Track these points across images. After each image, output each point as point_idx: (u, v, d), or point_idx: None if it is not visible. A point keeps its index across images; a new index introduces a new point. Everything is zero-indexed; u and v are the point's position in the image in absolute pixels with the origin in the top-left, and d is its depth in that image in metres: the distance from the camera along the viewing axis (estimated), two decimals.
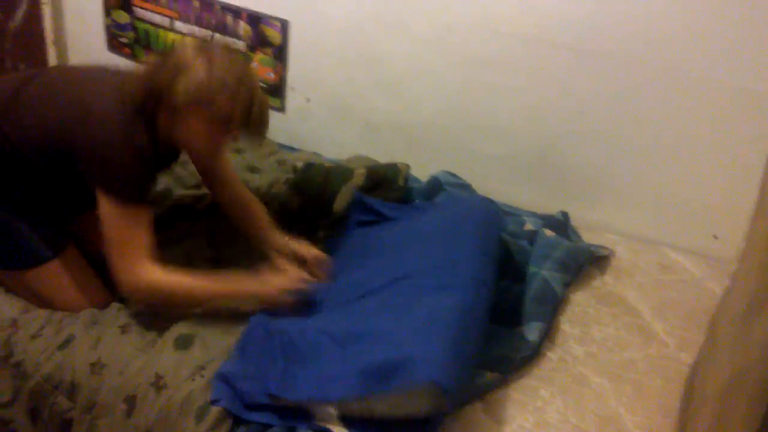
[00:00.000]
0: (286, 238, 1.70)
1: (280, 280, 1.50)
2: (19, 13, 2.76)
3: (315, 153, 2.23)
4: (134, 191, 1.42)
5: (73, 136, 1.40)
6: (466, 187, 1.95)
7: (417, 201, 1.91)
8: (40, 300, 1.58)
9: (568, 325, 1.55)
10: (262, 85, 2.29)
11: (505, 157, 1.98)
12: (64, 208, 1.62)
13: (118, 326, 1.48)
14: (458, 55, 1.93)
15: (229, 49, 1.42)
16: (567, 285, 1.64)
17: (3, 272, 1.60)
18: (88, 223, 1.67)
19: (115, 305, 1.57)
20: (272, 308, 1.46)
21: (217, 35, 1.48)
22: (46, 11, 2.65)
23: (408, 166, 1.96)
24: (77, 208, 1.69)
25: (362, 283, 1.47)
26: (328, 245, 1.74)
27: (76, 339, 1.45)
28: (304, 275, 1.54)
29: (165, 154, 1.55)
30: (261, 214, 1.74)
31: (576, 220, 1.89)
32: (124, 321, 1.50)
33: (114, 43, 2.64)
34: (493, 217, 1.63)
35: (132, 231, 1.42)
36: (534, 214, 1.89)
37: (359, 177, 1.86)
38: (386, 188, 1.87)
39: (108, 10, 2.59)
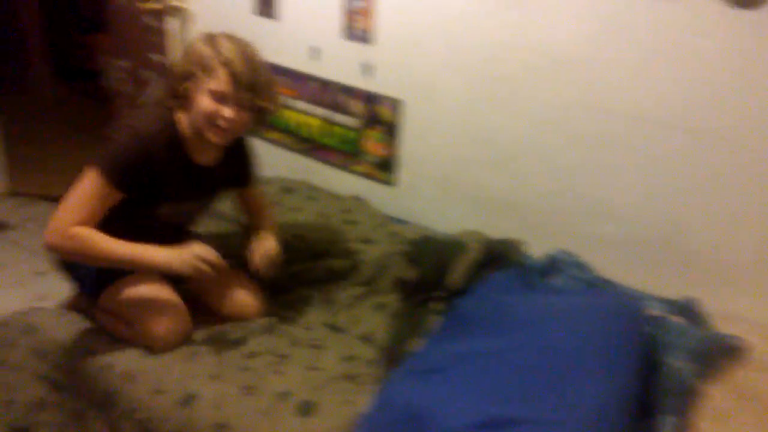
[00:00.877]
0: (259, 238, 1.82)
1: (185, 253, 1.55)
2: (149, 91, 3.00)
3: (424, 227, 2.23)
4: (113, 169, 1.52)
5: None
6: (583, 266, 1.88)
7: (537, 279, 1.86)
8: (126, 319, 1.71)
9: (704, 421, 1.42)
10: (373, 159, 2.36)
11: (623, 239, 1.91)
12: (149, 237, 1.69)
13: (240, 386, 1.54)
14: (573, 134, 1.90)
15: (227, 35, 1.59)
16: (700, 377, 1.52)
17: (96, 297, 1.74)
18: (202, 283, 1.81)
19: (237, 362, 1.63)
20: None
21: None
22: None
23: (524, 243, 1.92)
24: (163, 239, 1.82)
25: (500, 351, 1.44)
26: (447, 315, 1.72)
27: (198, 398, 1.51)
28: (209, 253, 1.57)
29: (198, 170, 1.68)
30: (262, 222, 1.89)
31: (706, 307, 1.77)
32: (247, 381, 1.56)
33: None
34: (638, 314, 1.58)
35: (81, 196, 1.52)
36: (657, 299, 1.79)
37: (475, 251, 1.85)
38: (501, 264, 1.84)
39: None
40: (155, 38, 2.82)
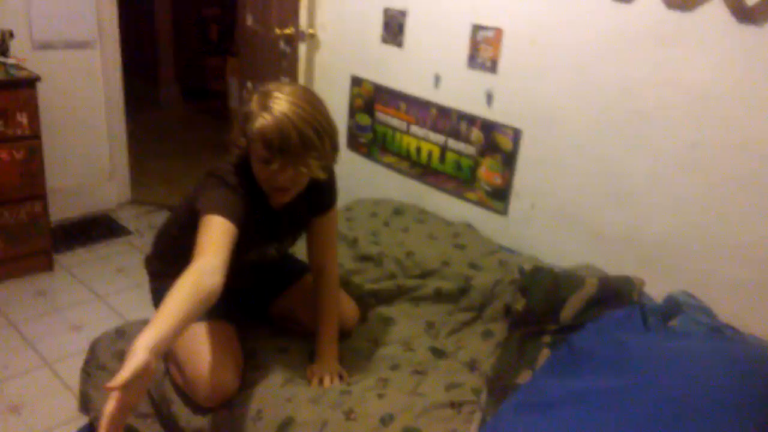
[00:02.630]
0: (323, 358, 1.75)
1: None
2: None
3: (536, 258, 2.20)
4: (217, 205, 1.51)
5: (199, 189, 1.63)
6: (706, 310, 1.80)
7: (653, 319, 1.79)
8: (176, 361, 1.69)
9: None
10: (487, 188, 2.37)
11: (750, 283, 1.81)
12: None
13: (341, 410, 1.54)
14: (703, 172, 1.84)
15: (291, 94, 1.52)
16: None
17: None
18: (287, 305, 1.92)
19: (336, 388, 1.64)
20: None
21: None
22: None
23: (642, 282, 1.85)
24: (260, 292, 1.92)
25: (617, 391, 1.40)
26: (561, 348, 1.68)
27: (298, 422, 1.52)
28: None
29: (279, 213, 1.69)
30: (329, 318, 1.80)
31: None
32: (348, 405, 1.55)
33: (353, 143, 2.89)
34: (766, 363, 1.50)
35: (219, 237, 1.46)
36: None
37: (591, 286, 1.79)
38: (619, 302, 1.78)
39: (353, 113, 2.86)
40: (285, 62, 2.97)
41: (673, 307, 1.80)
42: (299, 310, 1.92)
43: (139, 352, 1.15)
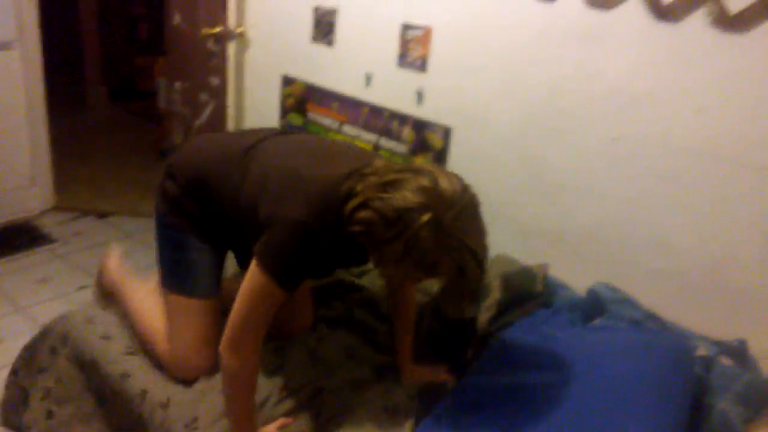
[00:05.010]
0: (412, 369, 1.72)
1: None
2: (205, 114, 3.08)
3: None
4: (280, 271, 1.39)
5: (271, 205, 1.43)
6: (629, 302, 1.85)
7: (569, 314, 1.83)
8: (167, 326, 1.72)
9: None
10: None
11: (671, 273, 1.87)
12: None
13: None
14: (626, 166, 1.89)
15: (462, 209, 1.28)
16: (748, 422, 1.48)
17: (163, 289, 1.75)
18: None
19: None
20: None
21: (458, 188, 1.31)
22: (230, 113, 2.93)
23: (545, 267, 1.90)
24: None
25: (544, 385, 1.42)
26: (490, 347, 1.69)
27: None
28: None
29: (354, 247, 1.42)
30: (405, 331, 1.74)
31: (755, 349, 1.72)
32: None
33: None
34: (687, 354, 1.56)
35: (263, 307, 1.41)
36: (706, 339, 1.75)
37: (495, 290, 1.82)
38: (525, 297, 1.81)
39: (284, 113, 2.82)
40: (214, 62, 2.91)
41: (594, 302, 1.84)
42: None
43: None
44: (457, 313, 1.40)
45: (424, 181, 1.26)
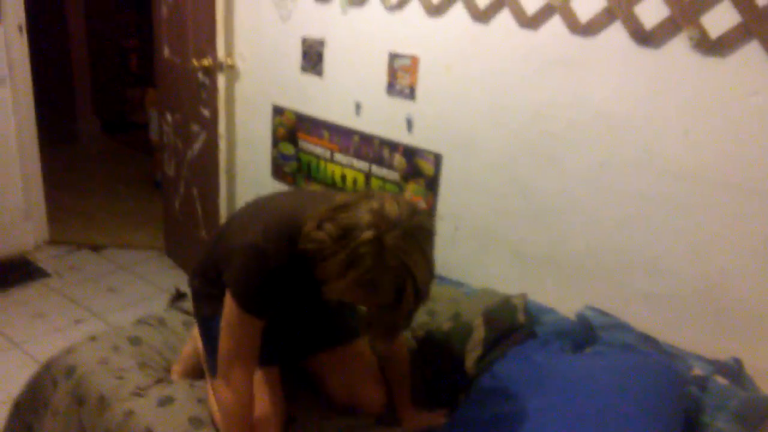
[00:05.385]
0: (412, 416, 1.70)
1: None
2: (197, 145, 3.10)
3: (459, 284, 2.24)
4: (246, 298, 1.46)
5: (238, 237, 1.52)
6: (620, 326, 1.86)
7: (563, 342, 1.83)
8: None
9: None
10: None
11: (664, 296, 1.88)
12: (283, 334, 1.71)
13: None
14: (613, 190, 1.91)
15: (406, 231, 1.29)
16: None
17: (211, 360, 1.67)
18: (324, 364, 1.77)
19: None
20: None
21: (403, 201, 1.35)
22: (222, 144, 2.95)
23: (524, 296, 1.92)
24: (302, 344, 1.78)
25: (537, 411, 1.43)
26: (483, 378, 1.70)
27: None
28: None
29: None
30: (398, 377, 1.73)
31: (750, 367, 1.73)
32: None
33: (279, 172, 2.88)
34: (681, 374, 1.56)
35: (242, 336, 1.48)
36: (701, 358, 1.76)
37: (479, 329, 1.82)
38: (509, 331, 1.82)
39: (276, 143, 2.85)
40: (205, 94, 2.94)
41: (584, 328, 1.85)
42: (331, 375, 1.76)
43: None
44: (386, 345, 1.47)
45: (373, 204, 1.32)
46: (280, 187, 2.88)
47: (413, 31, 2.28)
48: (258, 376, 1.59)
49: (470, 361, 1.79)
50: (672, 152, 1.79)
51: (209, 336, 1.67)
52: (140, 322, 2.08)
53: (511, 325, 1.85)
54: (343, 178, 2.63)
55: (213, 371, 1.63)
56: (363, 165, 2.54)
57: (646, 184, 1.85)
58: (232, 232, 1.61)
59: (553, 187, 2.04)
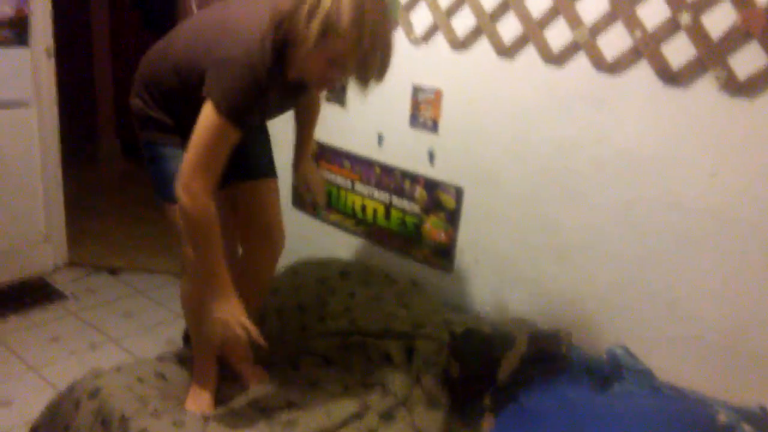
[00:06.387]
0: (307, 165, 2.13)
1: (228, 316, 1.60)
2: None
3: (479, 315, 2.21)
4: (233, 108, 1.54)
5: (208, 55, 1.59)
6: (645, 372, 1.83)
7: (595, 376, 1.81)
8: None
9: None
10: (432, 245, 2.38)
11: (688, 337, 1.85)
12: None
13: None
14: (638, 228, 1.89)
15: None
16: None
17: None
18: (245, 192, 1.98)
19: None
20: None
21: None
22: None
23: (570, 334, 1.89)
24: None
25: None
26: (509, 409, 1.68)
27: None
28: (247, 327, 1.61)
29: (292, 84, 1.65)
30: (309, 130, 2.14)
31: None
32: None
33: (299, 201, 2.88)
34: (708, 421, 1.54)
35: (215, 146, 1.56)
36: (728, 405, 1.72)
37: (521, 344, 1.81)
38: (550, 357, 1.80)
39: None
40: None
41: (613, 364, 1.82)
42: (249, 202, 2.00)
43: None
44: (363, 83, 1.58)
45: None
46: (299, 215, 2.88)
47: (437, 65, 2.29)
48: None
49: (505, 370, 1.78)
50: (698, 192, 1.77)
51: (154, 159, 1.79)
52: (163, 359, 2.09)
53: (555, 353, 1.83)
54: (363, 208, 2.62)
55: (161, 193, 1.77)
56: (384, 196, 2.54)
57: (672, 223, 1.83)
58: (195, 47, 1.66)
59: (577, 224, 2.02)
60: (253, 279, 2.02)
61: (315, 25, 1.44)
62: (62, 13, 3.35)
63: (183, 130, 1.69)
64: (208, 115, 1.55)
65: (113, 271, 3.52)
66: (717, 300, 1.78)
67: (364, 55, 1.49)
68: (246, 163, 1.96)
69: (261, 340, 1.63)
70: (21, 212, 3.30)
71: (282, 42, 1.54)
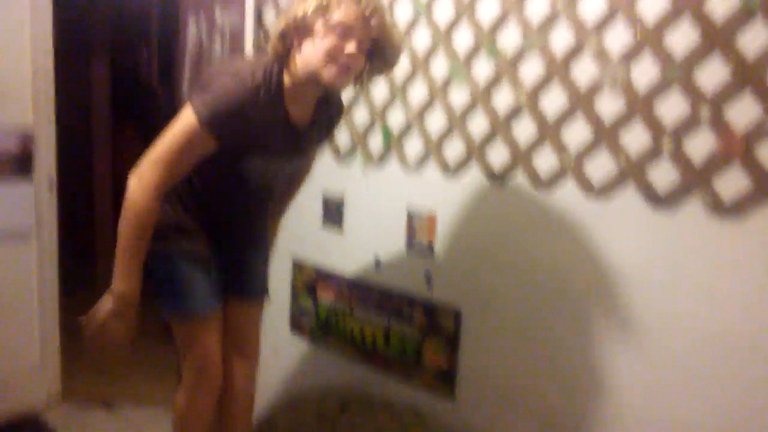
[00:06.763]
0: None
1: (121, 325, 1.70)
2: None
3: None
4: (212, 114, 1.57)
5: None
6: None
7: None
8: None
9: None
10: (433, 371, 2.34)
11: None
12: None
13: None
14: (641, 351, 1.86)
15: None
16: None
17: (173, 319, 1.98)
18: (229, 314, 2.02)
19: None
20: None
21: None
22: None
23: None
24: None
25: None
26: None
27: None
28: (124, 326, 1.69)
29: (292, 129, 1.76)
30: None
31: None
32: None
33: (297, 326, 2.85)
34: None
35: (183, 149, 1.60)
36: None
37: None
38: None
39: (295, 296, 2.85)
40: None
41: None
42: (235, 321, 2.07)
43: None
44: (339, 81, 1.64)
45: None
46: (297, 341, 2.85)
47: (431, 190, 2.34)
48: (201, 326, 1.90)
49: None
50: (696, 313, 1.76)
51: (169, 272, 1.88)
52: None
53: None
54: (362, 333, 2.60)
55: (170, 307, 1.94)
56: (382, 320, 2.52)
57: (673, 345, 1.80)
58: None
59: (579, 348, 1.99)
60: (232, 400, 2.04)
61: (311, 2, 1.58)
62: (64, 144, 3.45)
63: (210, 228, 1.86)
64: (185, 116, 1.60)
65: (109, 404, 3.42)
66: (722, 427, 1.73)
67: (366, 18, 1.59)
68: (241, 279, 2.04)
69: (125, 345, 1.68)
70: (15, 344, 3.25)
71: (287, 49, 1.66)
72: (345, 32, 1.58)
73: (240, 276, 2.08)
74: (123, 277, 1.63)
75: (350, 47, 1.59)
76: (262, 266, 2.19)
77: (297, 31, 1.63)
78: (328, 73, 1.61)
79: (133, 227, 1.63)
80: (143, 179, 1.61)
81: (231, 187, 1.85)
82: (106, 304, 1.70)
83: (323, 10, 1.58)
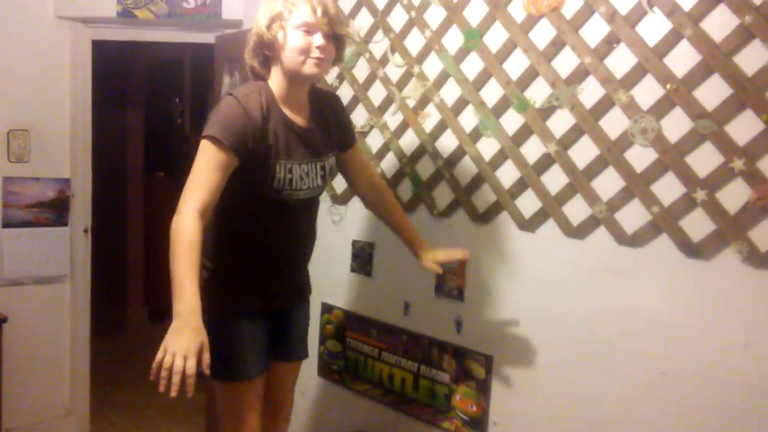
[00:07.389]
0: (427, 252, 2.11)
1: (182, 340, 1.51)
2: None
3: None
4: (219, 129, 1.70)
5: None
6: None
7: None
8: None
9: None
10: (463, 416, 2.32)
11: None
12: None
13: None
14: (675, 401, 1.85)
15: None
16: None
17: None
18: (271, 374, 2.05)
19: None
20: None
21: None
22: None
23: None
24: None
25: None
26: None
27: None
28: (189, 354, 1.50)
29: (297, 128, 1.87)
30: (396, 207, 2.24)
31: None
32: None
33: (325, 370, 2.86)
34: None
35: (204, 168, 1.69)
36: None
37: None
38: None
39: (323, 340, 2.86)
40: None
41: None
42: (276, 378, 2.10)
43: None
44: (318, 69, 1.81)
45: None
46: (326, 384, 2.85)
47: (460, 237, 2.36)
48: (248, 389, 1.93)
49: None
50: (733, 364, 1.75)
51: (219, 335, 1.79)
52: None
53: None
54: (391, 377, 2.60)
55: (217, 370, 1.66)
56: (411, 365, 2.52)
57: (709, 396, 1.79)
58: None
59: (611, 397, 1.98)
60: None
61: (263, 17, 1.77)
62: (99, 191, 3.54)
63: (262, 270, 1.94)
64: (200, 144, 1.73)
65: None
66: None
67: (322, 11, 1.75)
68: (287, 338, 2.10)
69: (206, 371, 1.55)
70: (47, 386, 3.30)
71: (266, 66, 1.85)
72: (309, 29, 1.76)
73: (287, 334, 2.11)
74: (179, 299, 1.59)
75: (318, 40, 1.76)
76: (305, 322, 2.23)
77: (267, 47, 1.81)
78: (308, 68, 1.79)
79: (181, 252, 1.62)
80: (181, 210, 1.67)
81: (271, 214, 1.91)
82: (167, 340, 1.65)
83: (279, 17, 1.76)
